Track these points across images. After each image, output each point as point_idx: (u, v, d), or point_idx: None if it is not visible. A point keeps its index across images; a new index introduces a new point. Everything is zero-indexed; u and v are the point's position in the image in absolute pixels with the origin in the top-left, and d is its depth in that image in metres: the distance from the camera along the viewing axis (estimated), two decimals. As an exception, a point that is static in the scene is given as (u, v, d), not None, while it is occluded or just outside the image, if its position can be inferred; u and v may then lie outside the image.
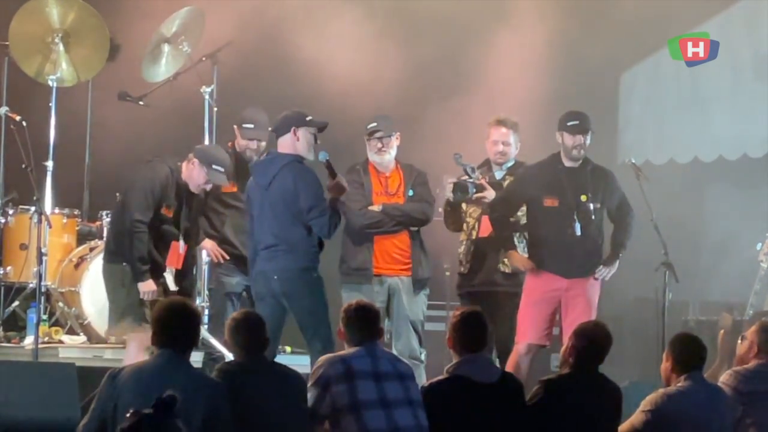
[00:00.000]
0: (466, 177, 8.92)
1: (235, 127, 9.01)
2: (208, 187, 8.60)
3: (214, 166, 8.43)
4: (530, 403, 6.52)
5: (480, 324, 6.54)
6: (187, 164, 8.48)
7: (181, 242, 8.49)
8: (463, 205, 9.06)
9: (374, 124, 8.87)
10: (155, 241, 8.38)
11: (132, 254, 8.27)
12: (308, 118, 8.06)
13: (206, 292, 9.36)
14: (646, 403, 6.59)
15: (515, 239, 8.91)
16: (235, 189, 8.82)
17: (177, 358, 5.80)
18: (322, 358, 6.42)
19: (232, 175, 8.66)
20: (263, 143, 8.95)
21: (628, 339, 10.21)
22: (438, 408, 6.35)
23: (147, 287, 8.28)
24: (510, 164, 9.17)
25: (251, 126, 8.96)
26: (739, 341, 7.21)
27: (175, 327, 5.85)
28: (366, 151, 8.95)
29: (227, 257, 8.70)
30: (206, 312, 8.78)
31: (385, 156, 8.90)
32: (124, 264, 8.37)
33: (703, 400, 6.56)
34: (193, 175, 8.47)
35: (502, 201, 8.86)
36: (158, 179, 8.39)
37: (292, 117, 8.09)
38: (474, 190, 8.92)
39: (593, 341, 6.61)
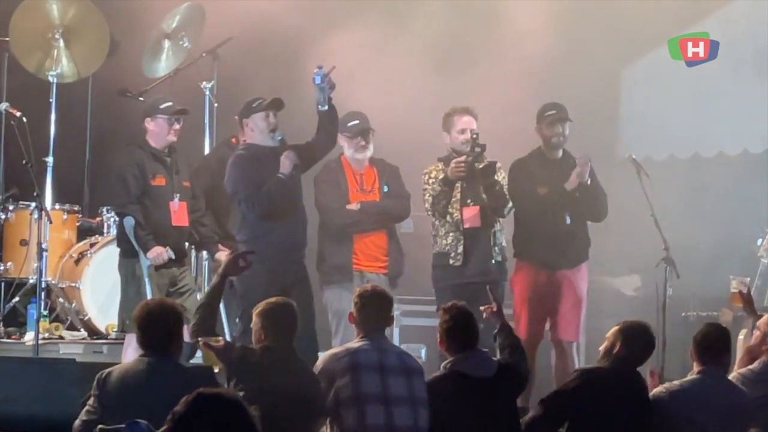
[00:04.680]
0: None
1: (239, 118, 8.52)
2: (178, 126, 8.55)
3: (160, 107, 8.49)
4: (562, 389, 6.53)
5: (471, 324, 6.54)
6: (148, 131, 8.52)
7: (175, 200, 8.47)
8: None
9: (356, 121, 8.78)
10: (162, 215, 8.38)
11: (132, 235, 8.27)
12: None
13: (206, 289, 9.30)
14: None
15: (497, 230, 8.89)
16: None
17: (160, 359, 5.82)
18: (328, 352, 6.44)
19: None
20: None
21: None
22: (436, 404, 6.35)
23: (152, 254, 8.26)
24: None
25: (260, 99, 8.45)
26: (742, 334, 7.11)
27: (152, 330, 5.87)
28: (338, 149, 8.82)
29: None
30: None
31: (367, 152, 8.83)
32: (132, 259, 8.37)
33: (711, 400, 6.41)
34: (157, 131, 8.50)
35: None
36: (125, 162, 8.46)
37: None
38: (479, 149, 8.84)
39: (644, 344, 6.53)
